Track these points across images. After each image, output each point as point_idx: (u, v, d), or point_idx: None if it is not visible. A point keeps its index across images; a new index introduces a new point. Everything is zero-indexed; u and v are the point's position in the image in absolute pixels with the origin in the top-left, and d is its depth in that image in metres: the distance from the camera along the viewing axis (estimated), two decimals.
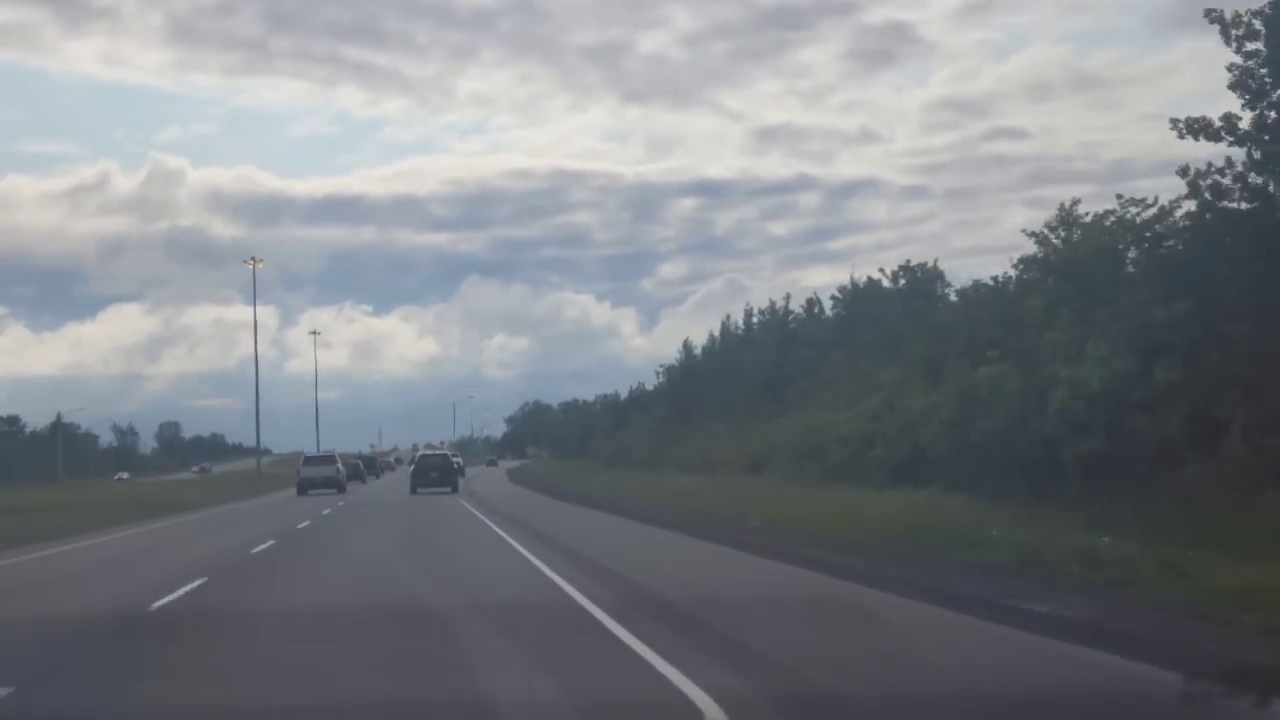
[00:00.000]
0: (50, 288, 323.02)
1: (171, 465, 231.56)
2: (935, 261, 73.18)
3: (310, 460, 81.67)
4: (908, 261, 73.01)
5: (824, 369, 69.14)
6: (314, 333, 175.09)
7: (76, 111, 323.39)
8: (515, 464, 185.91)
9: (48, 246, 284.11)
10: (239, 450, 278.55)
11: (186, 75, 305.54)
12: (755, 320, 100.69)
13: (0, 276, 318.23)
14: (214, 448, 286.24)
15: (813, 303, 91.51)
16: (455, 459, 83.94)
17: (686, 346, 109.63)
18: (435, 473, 69.52)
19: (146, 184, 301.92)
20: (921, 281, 70.96)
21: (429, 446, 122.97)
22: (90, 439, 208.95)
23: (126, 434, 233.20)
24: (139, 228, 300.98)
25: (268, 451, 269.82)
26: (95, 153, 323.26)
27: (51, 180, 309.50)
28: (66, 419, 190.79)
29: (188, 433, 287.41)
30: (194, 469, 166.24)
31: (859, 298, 77.32)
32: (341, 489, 75.81)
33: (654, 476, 72.18)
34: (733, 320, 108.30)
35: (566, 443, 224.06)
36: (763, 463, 61.63)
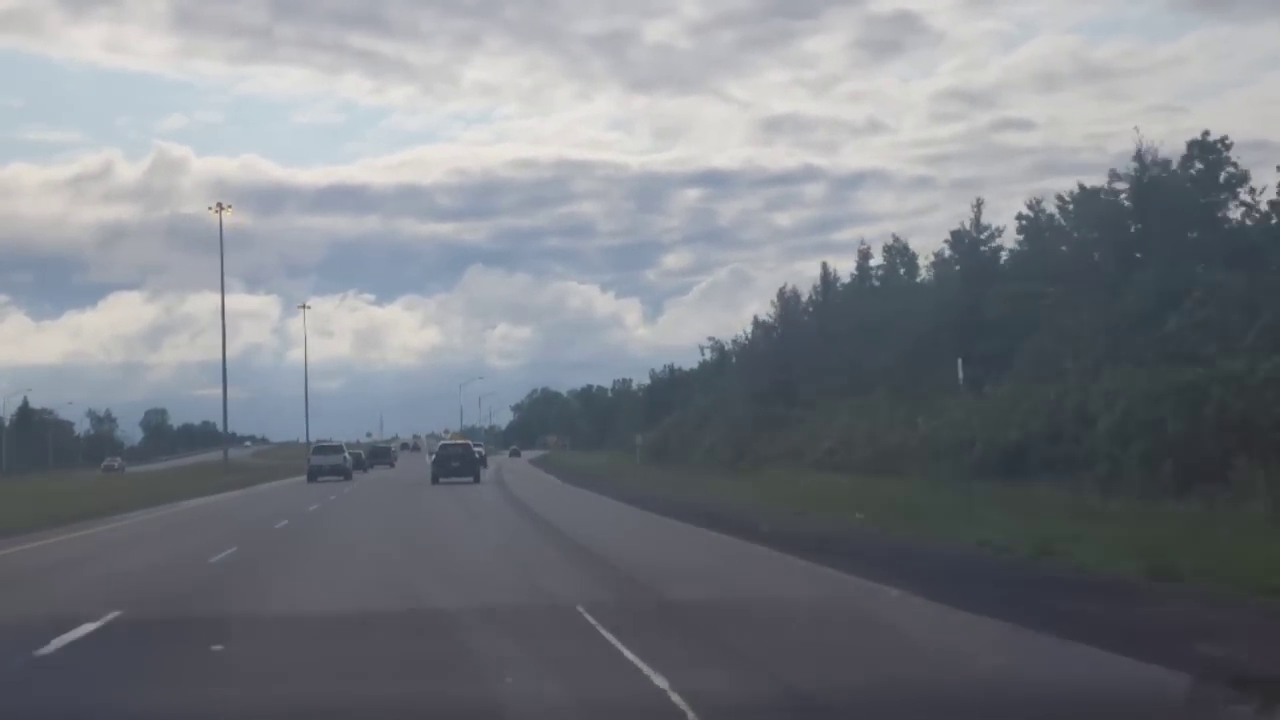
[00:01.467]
0: (51, 276, 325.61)
1: (158, 455, 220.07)
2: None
3: (320, 449, 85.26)
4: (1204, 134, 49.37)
5: (1060, 315, 46.24)
6: (304, 306, 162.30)
7: (79, 99, 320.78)
8: (534, 454, 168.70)
9: (49, 235, 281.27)
10: (231, 439, 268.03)
11: (190, 63, 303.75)
12: (894, 257, 77.90)
13: (2, 264, 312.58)
14: (204, 436, 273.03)
15: (1032, 215, 60.38)
16: (477, 448, 79.63)
17: (783, 296, 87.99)
18: (457, 462, 68.19)
19: (150, 173, 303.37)
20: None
21: (431, 436, 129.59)
22: (64, 426, 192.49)
23: (104, 421, 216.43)
24: (141, 216, 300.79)
25: (265, 440, 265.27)
26: (98, 141, 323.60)
27: (54, 169, 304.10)
28: (47, 407, 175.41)
29: (180, 420, 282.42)
30: (104, 465, 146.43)
31: (1093, 207, 52.75)
32: (348, 476, 77.91)
33: (761, 476, 54.34)
34: (832, 272, 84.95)
35: (579, 432, 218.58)
36: (913, 458, 43.98)
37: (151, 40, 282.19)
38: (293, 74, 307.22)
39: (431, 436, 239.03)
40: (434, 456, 71.06)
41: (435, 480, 66.25)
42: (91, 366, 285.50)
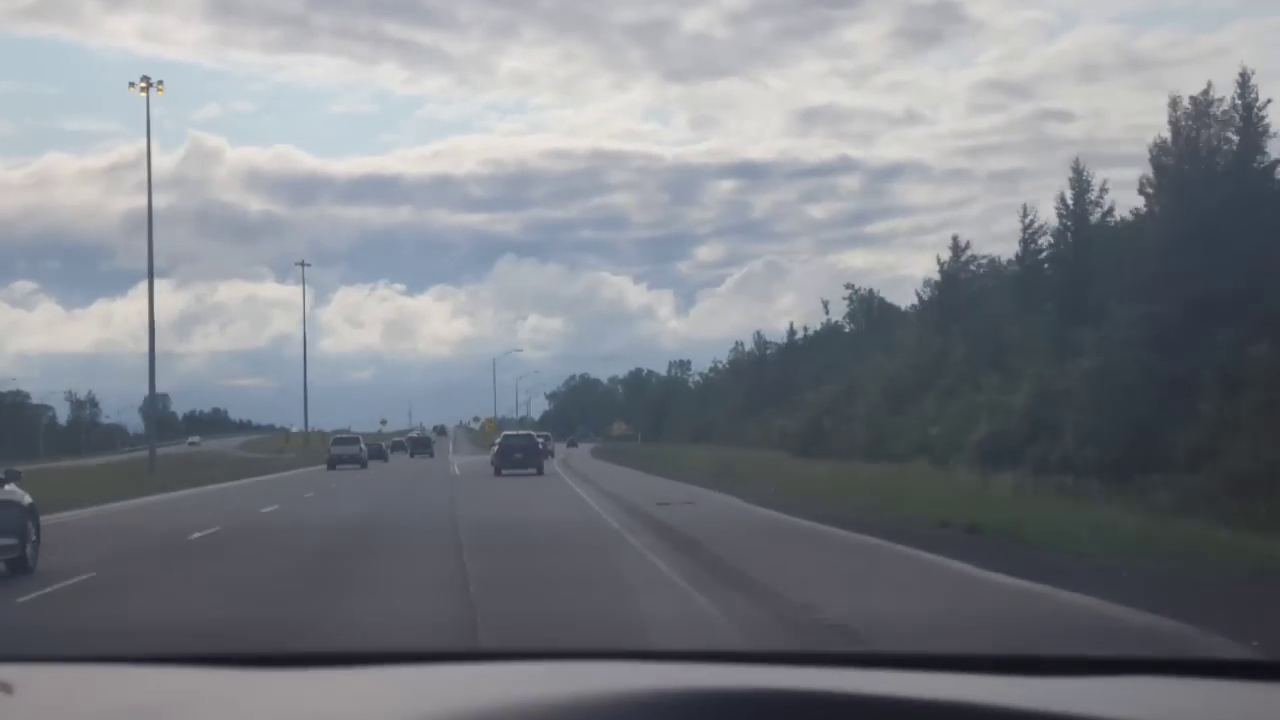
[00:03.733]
0: (82, 264, 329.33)
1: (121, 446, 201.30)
2: None
3: (339, 440, 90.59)
4: None
5: None
6: (301, 263, 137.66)
7: (115, 88, 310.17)
8: (591, 446, 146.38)
9: (82, 224, 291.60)
10: (249, 428, 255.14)
11: (227, 51, 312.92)
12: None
13: (37, 252, 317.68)
14: (213, 424, 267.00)
15: None
16: (541, 438, 79.53)
17: (956, 246, 65.77)
18: (520, 454, 66.66)
19: (184, 162, 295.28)
20: None
21: (470, 421, 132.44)
22: (41, 411, 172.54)
23: (85, 405, 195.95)
24: (174, 205, 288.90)
25: (280, 429, 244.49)
26: (134, 130, 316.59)
27: (90, 158, 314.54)
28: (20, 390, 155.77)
29: (198, 407, 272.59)
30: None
31: None
32: (364, 464, 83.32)
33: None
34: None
35: (608, 422, 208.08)
36: None
37: (188, 29, 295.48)
38: (328, 63, 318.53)
39: (461, 426, 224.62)
40: (497, 448, 69.58)
41: (498, 472, 63.94)
42: (122, 355, 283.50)
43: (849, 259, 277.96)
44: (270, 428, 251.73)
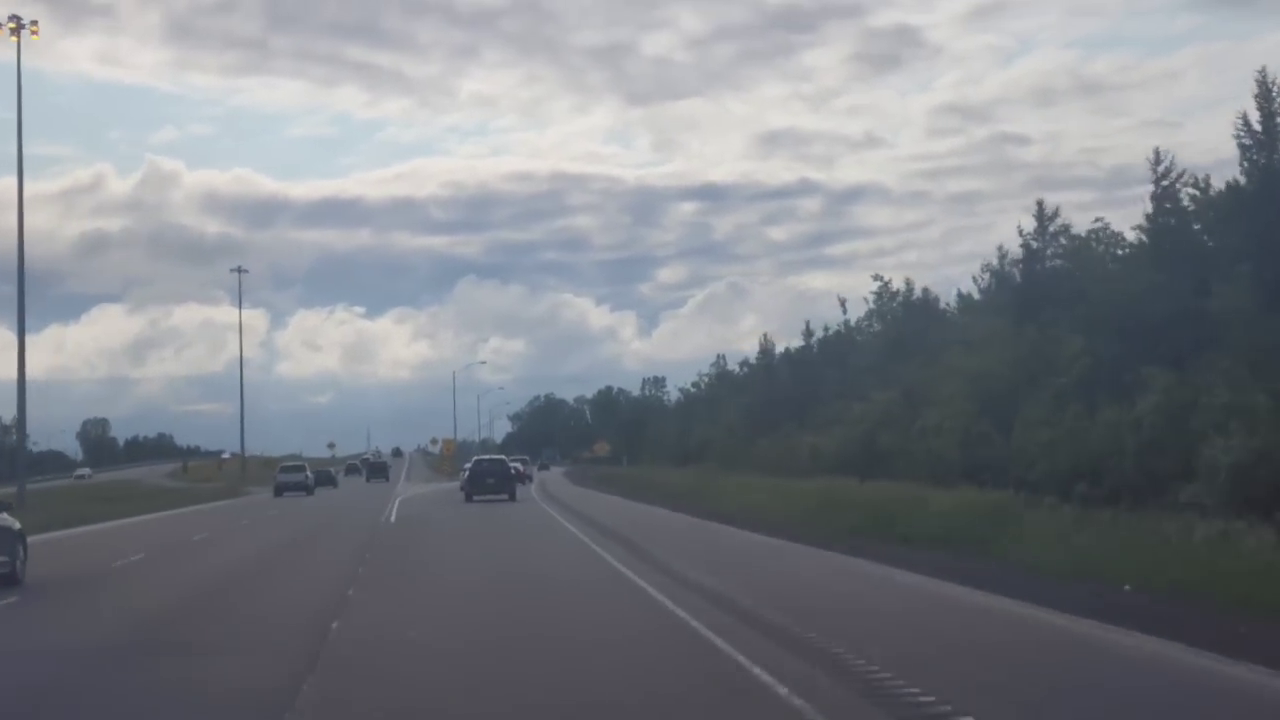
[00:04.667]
0: (33, 288, 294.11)
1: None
2: None
3: (285, 469, 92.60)
4: None
5: None
6: (237, 269, 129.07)
7: (72, 112, 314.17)
8: (559, 469, 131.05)
9: (34, 249, 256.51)
10: (197, 454, 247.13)
11: (184, 75, 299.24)
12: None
13: None
14: (158, 450, 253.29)
15: None
16: (515, 463, 77.66)
17: (1042, 214, 50.58)
18: (492, 479, 63.15)
19: (141, 186, 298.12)
20: None
21: (428, 443, 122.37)
22: None
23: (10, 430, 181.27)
24: (130, 230, 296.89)
25: (225, 455, 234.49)
26: (90, 154, 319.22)
27: (43, 182, 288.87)
28: None
29: (142, 433, 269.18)
30: None
31: None
32: (310, 491, 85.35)
33: None
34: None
35: (576, 445, 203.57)
36: None
37: (145, 52, 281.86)
38: (288, 86, 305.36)
39: (420, 450, 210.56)
40: (467, 474, 67.48)
41: (469, 499, 61.62)
42: (76, 381, 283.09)
43: (810, 280, 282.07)
44: (216, 454, 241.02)
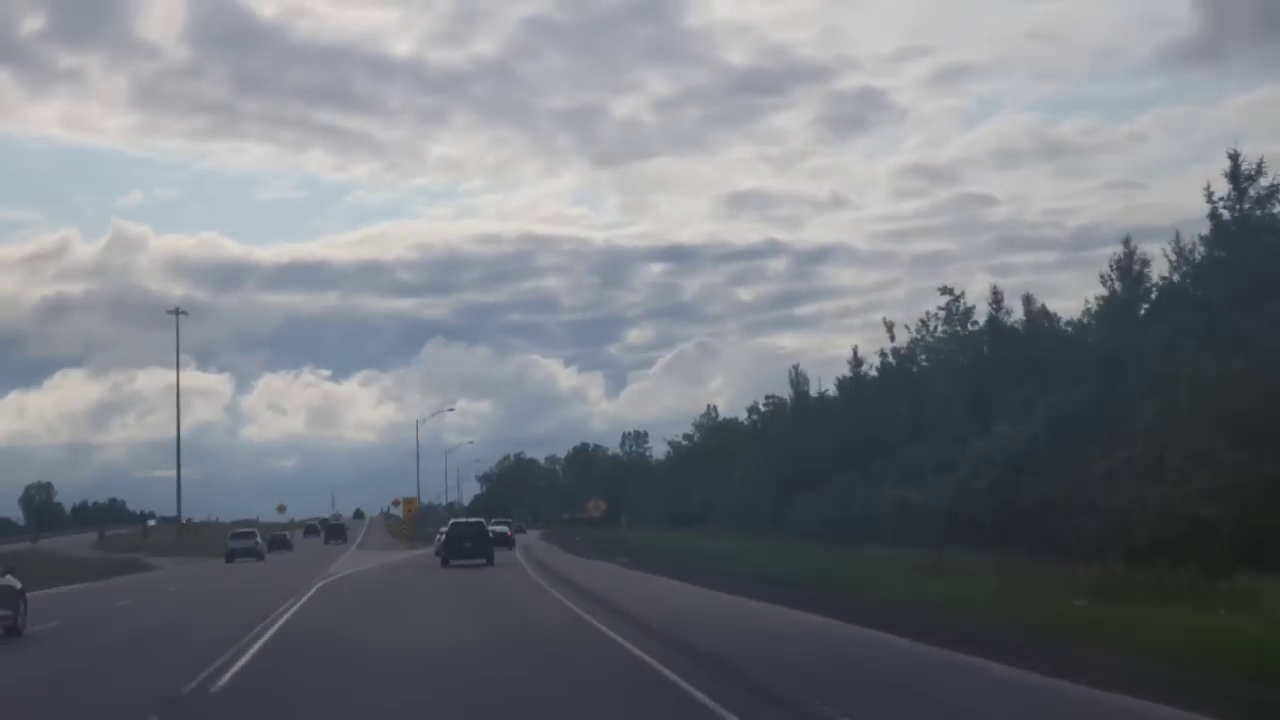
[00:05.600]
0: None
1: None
2: None
3: (236, 535, 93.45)
4: None
5: None
6: (176, 311, 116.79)
7: (37, 176, 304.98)
8: (534, 533, 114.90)
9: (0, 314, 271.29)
10: (152, 520, 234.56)
11: (151, 140, 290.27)
12: None
13: None
14: (110, 515, 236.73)
15: None
16: (495, 527, 76.94)
17: (1237, 170, 35.43)
18: (469, 543, 60.60)
19: (106, 251, 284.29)
20: None
21: (389, 506, 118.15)
22: None
23: None
24: (94, 294, 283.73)
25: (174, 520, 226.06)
26: (55, 219, 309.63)
27: (8, 247, 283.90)
28: None
29: (92, 498, 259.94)
30: None
31: None
32: (261, 557, 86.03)
33: None
34: None
35: (549, 506, 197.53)
36: None
37: (112, 117, 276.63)
38: (255, 150, 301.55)
39: (383, 513, 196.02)
40: (443, 537, 64.43)
41: (446, 563, 58.76)
42: (39, 448, 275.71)
43: (777, 340, 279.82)
44: (173, 520, 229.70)
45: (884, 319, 71.72)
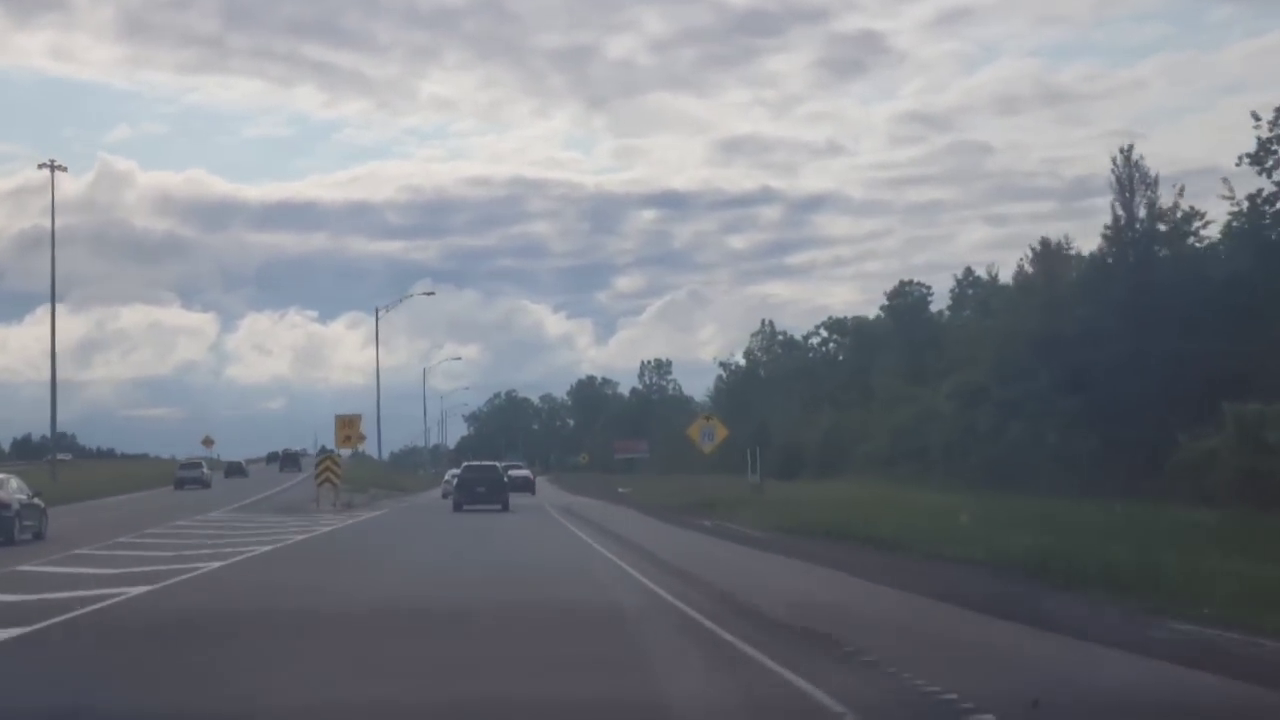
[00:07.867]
0: None
1: None
2: None
3: (184, 466, 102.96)
4: None
5: None
6: (52, 165, 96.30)
7: (23, 108, 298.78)
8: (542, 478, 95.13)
9: None
10: (108, 456, 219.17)
11: (139, 72, 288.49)
12: None
13: None
14: (57, 447, 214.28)
15: None
16: (514, 471, 77.91)
17: None
18: (483, 487, 60.81)
19: (93, 186, 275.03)
20: None
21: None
22: None
23: None
24: (80, 228, 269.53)
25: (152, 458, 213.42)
26: (41, 152, 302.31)
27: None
28: None
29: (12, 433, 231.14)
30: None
31: None
32: (207, 485, 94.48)
33: None
34: None
35: (544, 449, 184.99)
36: None
37: (100, 48, 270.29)
38: (244, 85, 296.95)
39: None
40: (455, 481, 65.37)
41: (458, 507, 58.94)
42: (18, 383, 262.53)
43: (769, 289, 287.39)
44: (143, 457, 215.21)
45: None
